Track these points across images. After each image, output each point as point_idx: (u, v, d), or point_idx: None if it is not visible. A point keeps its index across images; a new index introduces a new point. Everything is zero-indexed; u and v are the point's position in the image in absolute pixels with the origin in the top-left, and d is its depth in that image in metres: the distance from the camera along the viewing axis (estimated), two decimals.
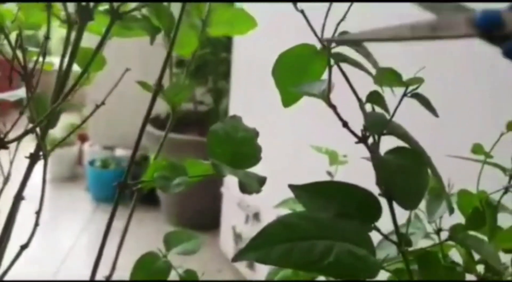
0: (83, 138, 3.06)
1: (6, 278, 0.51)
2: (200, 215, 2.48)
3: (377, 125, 0.35)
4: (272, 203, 0.76)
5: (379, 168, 0.34)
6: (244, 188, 0.35)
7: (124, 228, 0.61)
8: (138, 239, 1.68)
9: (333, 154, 0.73)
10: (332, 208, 0.35)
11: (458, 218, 0.51)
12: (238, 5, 0.61)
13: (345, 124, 0.35)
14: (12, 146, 0.52)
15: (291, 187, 0.36)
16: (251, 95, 1.96)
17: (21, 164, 0.58)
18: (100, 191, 2.77)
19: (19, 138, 0.38)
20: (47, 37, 0.41)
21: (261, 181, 0.37)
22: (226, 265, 2.21)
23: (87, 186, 2.86)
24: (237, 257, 0.36)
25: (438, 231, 0.55)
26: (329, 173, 0.72)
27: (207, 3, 0.56)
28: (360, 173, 0.50)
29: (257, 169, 0.42)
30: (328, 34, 0.40)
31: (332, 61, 0.38)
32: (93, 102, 0.49)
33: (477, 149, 0.52)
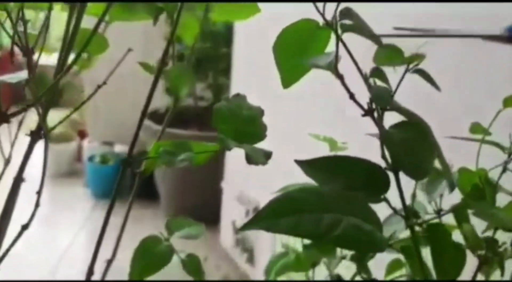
0: (82, 135, 3.06)
1: (7, 269, 0.51)
2: (199, 210, 2.48)
3: (382, 98, 0.35)
4: (272, 197, 0.76)
5: (387, 141, 0.34)
6: (251, 160, 0.35)
7: (124, 216, 0.61)
8: (136, 234, 1.68)
9: (332, 141, 0.73)
10: (340, 181, 0.35)
11: (457, 199, 0.51)
12: None
13: (351, 96, 0.35)
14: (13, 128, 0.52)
15: (298, 162, 0.36)
16: (251, 90, 1.95)
17: (20, 147, 0.59)
18: (99, 186, 2.77)
19: (20, 112, 0.38)
20: (49, 9, 0.41)
21: (267, 154, 0.37)
22: (225, 260, 2.21)
23: (86, 182, 2.86)
24: (245, 227, 0.36)
25: (438, 211, 0.55)
26: None
27: None
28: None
29: None
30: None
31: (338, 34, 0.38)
32: (91, 85, 0.48)
33: (475, 128, 0.52)
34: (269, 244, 1.79)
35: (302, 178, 0.66)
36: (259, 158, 0.35)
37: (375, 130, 0.38)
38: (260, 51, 1.90)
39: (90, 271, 0.45)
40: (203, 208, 2.47)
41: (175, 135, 2.32)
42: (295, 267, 0.73)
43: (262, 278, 0.75)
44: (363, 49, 0.40)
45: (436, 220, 0.44)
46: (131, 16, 0.53)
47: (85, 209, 2.69)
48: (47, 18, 0.42)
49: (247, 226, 0.36)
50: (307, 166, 0.37)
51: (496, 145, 0.50)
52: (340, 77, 0.35)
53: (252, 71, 1.98)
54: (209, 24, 0.59)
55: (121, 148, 2.87)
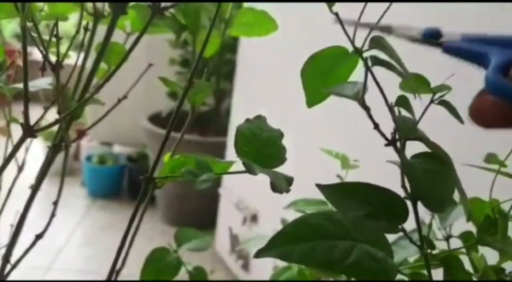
0: (81, 134, 3.05)
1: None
2: (196, 215, 2.48)
3: (408, 129, 0.36)
4: (271, 206, 0.77)
5: (408, 171, 0.35)
6: (275, 188, 0.35)
7: (137, 224, 0.61)
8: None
9: (344, 158, 0.74)
10: (361, 208, 0.36)
11: (465, 226, 0.52)
12: (246, 5, 0.62)
13: (376, 126, 0.36)
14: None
15: (319, 186, 0.36)
16: (254, 97, 1.96)
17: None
18: (96, 186, 2.76)
19: (47, 127, 0.39)
20: (86, 28, 0.41)
21: (289, 180, 0.37)
22: (220, 265, 2.21)
23: (83, 181, 2.85)
24: (259, 254, 0.36)
25: (447, 238, 0.56)
26: (339, 176, 0.72)
27: (231, 4, 0.57)
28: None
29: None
30: (359, 39, 0.41)
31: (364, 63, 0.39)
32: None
33: (491, 158, 0.53)
34: None
35: (302, 189, 0.67)
36: (282, 185, 0.35)
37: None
38: (265, 58, 1.90)
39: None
40: (199, 212, 2.47)
41: (175, 139, 2.32)
42: (299, 281, 0.73)
43: None
44: (387, 73, 0.41)
45: (449, 251, 0.44)
46: (154, 30, 0.53)
47: (82, 208, 2.69)
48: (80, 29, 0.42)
49: (261, 253, 0.36)
50: (328, 190, 0.38)
51: (510, 176, 0.50)
52: (367, 108, 0.36)
53: (256, 77, 1.99)
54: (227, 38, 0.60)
55: (119, 149, 2.87)
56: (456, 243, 0.53)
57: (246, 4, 0.60)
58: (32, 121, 0.41)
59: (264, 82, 1.89)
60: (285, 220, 0.75)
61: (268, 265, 0.85)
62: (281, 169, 0.41)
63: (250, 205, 1.94)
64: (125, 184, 2.78)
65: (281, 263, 0.78)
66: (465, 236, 0.53)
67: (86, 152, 2.88)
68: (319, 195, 0.69)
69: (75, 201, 2.75)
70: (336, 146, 0.78)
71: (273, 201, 0.74)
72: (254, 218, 1.93)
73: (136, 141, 2.76)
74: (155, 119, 2.50)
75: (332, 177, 0.75)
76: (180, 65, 2.47)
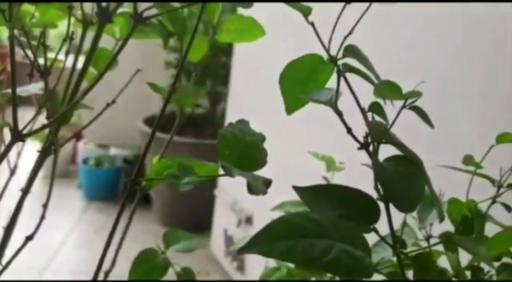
0: (77, 136, 3.06)
1: None
2: (191, 216, 2.49)
3: (379, 133, 0.37)
4: (266, 208, 0.78)
5: (380, 173, 0.37)
6: (252, 190, 0.37)
7: (125, 225, 0.62)
8: (127, 238, 1.69)
9: (330, 160, 0.75)
10: (335, 209, 0.37)
11: (447, 226, 0.54)
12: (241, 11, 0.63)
13: (349, 130, 0.38)
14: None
15: (296, 188, 0.38)
16: (249, 100, 1.98)
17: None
18: (93, 189, 2.77)
19: (36, 132, 0.40)
20: (71, 38, 0.43)
21: (267, 183, 0.39)
22: (215, 267, 2.22)
23: (80, 184, 2.86)
24: (243, 250, 0.38)
25: (428, 238, 0.57)
26: (325, 178, 0.74)
27: (218, 11, 0.58)
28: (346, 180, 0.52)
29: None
30: (334, 46, 0.42)
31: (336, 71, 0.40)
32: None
33: (468, 160, 0.54)
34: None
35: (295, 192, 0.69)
36: (259, 187, 0.37)
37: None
38: (259, 62, 1.92)
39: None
40: (195, 214, 2.49)
41: (171, 142, 2.33)
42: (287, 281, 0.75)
43: None
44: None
45: (422, 249, 0.46)
46: (142, 36, 0.55)
47: (77, 210, 2.70)
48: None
49: (244, 249, 0.37)
50: (304, 192, 0.39)
51: (487, 177, 0.52)
52: (339, 113, 0.38)
53: (250, 80, 2.00)
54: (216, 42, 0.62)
55: (116, 151, 2.88)
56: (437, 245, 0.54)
57: (239, 10, 0.61)
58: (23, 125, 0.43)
59: (259, 85, 1.90)
60: None
61: (262, 267, 0.86)
62: (278, 171, 0.42)
63: (245, 207, 1.95)
64: (122, 186, 2.80)
65: (273, 265, 0.79)
66: (444, 236, 0.54)
67: (82, 155, 2.89)
68: None
69: (71, 203, 2.75)
70: (330, 148, 0.79)
71: (268, 203, 0.75)
72: (249, 220, 1.94)
73: (132, 143, 2.77)
74: (151, 121, 2.51)
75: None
76: (175, 69, 2.49)
